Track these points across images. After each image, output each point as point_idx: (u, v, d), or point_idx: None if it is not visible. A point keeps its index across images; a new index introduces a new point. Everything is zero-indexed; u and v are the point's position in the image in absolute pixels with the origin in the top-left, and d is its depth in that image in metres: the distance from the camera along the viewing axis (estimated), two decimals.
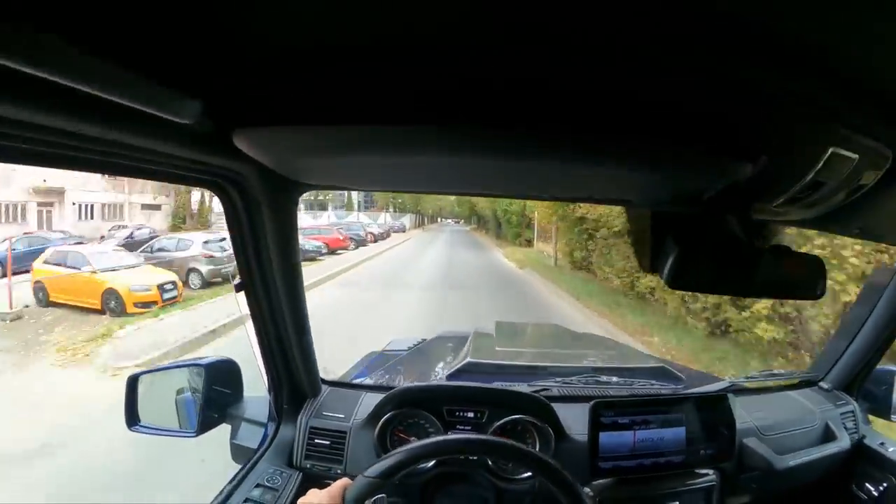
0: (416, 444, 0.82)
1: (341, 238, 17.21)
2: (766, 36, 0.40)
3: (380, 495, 0.77)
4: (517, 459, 0.89)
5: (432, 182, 0.99)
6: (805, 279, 0.78)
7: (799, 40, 0.40)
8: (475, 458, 1.09)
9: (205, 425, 1.17)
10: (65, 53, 0.36)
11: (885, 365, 1.42)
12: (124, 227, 15.34)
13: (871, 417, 1.42)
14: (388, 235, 25.19)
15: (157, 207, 18.58)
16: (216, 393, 1.18)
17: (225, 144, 0.60)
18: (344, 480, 0.81)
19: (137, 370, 1.25)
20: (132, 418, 1.19)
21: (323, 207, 34.17)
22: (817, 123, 0.53)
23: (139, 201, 18.26)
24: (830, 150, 0.54)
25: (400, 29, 0.43)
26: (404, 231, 31.83)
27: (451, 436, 0.88)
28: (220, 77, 0.50)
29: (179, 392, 1.24)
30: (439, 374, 1.69)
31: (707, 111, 0.53)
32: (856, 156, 0.56)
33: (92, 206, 16.61)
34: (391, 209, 41.84)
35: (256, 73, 0.51)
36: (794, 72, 0.45)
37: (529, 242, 18.88)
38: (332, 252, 15.33)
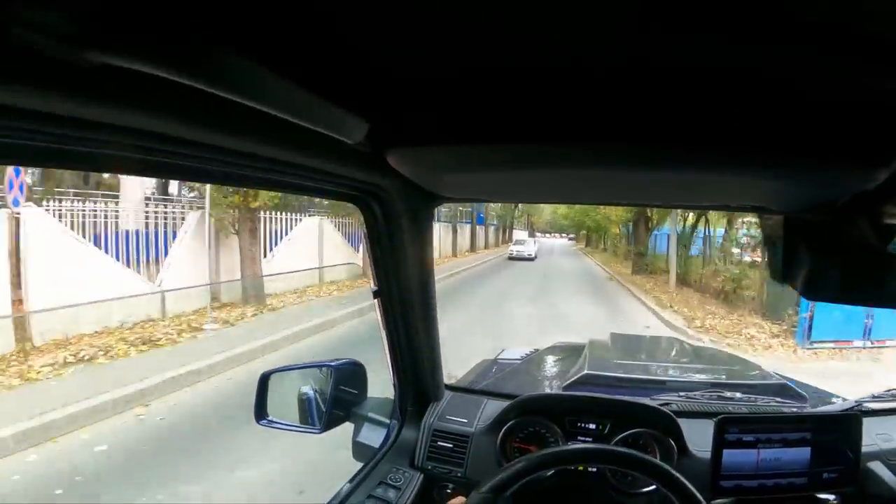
0: (526, 457, 0.86)
1: None
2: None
3: None
4: (642, 470, 0.90)
5: (559, 193, 1.03)
6: None
7: None
8: (594, 469, 1.12)
9: (330, 423, 1.24)
10: (249, 73, 0.37)
11: None
12: None
13: None
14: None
15: None
16: (342, 392, 1.26)
17: (379, 163, 0.66)
18: (459, 499, 0.87)
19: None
20: (261, 413, 1.28)
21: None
22: None
23: None
24: None
25: (544, 53, 0.45)
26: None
27: (563, 447, 0.90)
28: (382, 100, 0.55)
29: (302, 391, 1.33)
30: (554, 384, 1.71)
31: (838, 113, 0.52)
32: None
33: None
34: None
35: (410, 96, 0.56)
36: None
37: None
38: None
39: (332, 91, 0.46)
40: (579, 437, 1.16)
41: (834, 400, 1.49)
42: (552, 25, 0.40)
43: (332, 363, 1.26)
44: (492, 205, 22.46)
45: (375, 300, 1.12)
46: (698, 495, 0.84)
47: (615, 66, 0.47)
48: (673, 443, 1.12)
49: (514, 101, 0.55)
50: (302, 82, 0.42)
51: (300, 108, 0.45)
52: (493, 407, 1.22)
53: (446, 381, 1.35)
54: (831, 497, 1.13)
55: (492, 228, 33.50)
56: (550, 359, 2.08)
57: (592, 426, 1.16)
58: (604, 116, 0.55)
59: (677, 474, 0.87)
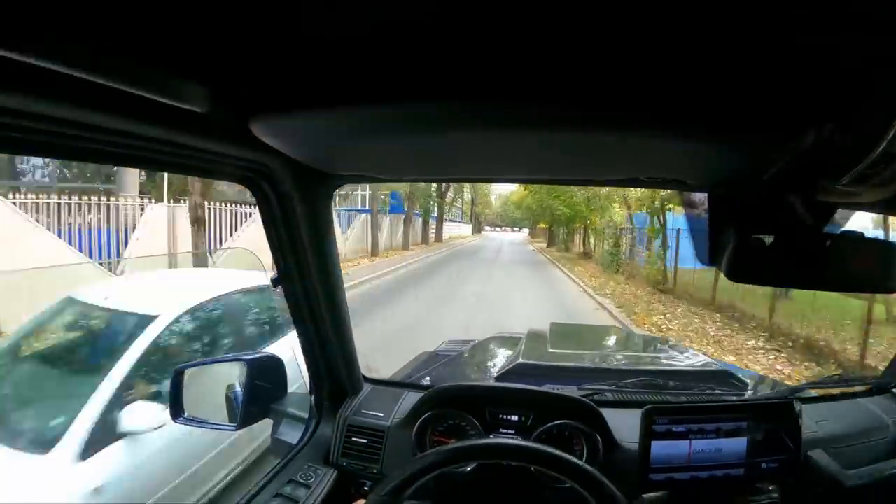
0: (419, 457, 0.81)
1: None
2: None
3: None
4: (551, 466, 0.83)
5: (467, 168, 0.95)
6: (880, 270, 0.69)
7: None
8: (515, 463, 1.05)
9: (246, 420, 1.18)
10: (58, 41, 0.35)
11: None
12: None
13: None
14: None
15: None
16: (259, 388, 1.19)
17: (244, 134, 0.58)
18: (360, 502, 0.82)
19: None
20: (176, 410, 1.21)
21: None
22: (885, 84, 0.45)
23: None
24: None
25: (427, 3, 0.39)
26: None
27: (461, 443, 0.83)
28: (230, 61, 0.47)
29: (230, 387, 1.27)
30: (489, 375, 1.65)
31: (763, 75, 0.46)
32: None
33: None
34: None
35: (269, 55, 0.47)
36: (855, 31, 0.38)
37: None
38: None
39: (155, 50, 0.41)
40: (501, 430, 1.10)
41: (773, 387, 1.43)
42: None
43: (246, 357, 1.19)
44: (418, 190, 18.23)
45: (275, 288, 1.04)
46: (616, 492, 0.78)
47: (522, 14, 0.40)
48: (598, 435, 1.06)
49: (388, 55, 0.46)
50: (108, 41, 0.38)
51: (115, 71, 0.40)
52: (412, 399, 1.15)
53: (388, 373, 1.29)
54: (771, 487, 1.07)
55: (418, 221, 22.47)
56: (488, 349, 2.02)
57: (515, 418, 1.10)
58: (505, 72, 0.47)
59: (591, 469, 0.81)
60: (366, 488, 1.10)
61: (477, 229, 45.99)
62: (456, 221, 38.73)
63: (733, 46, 0.43)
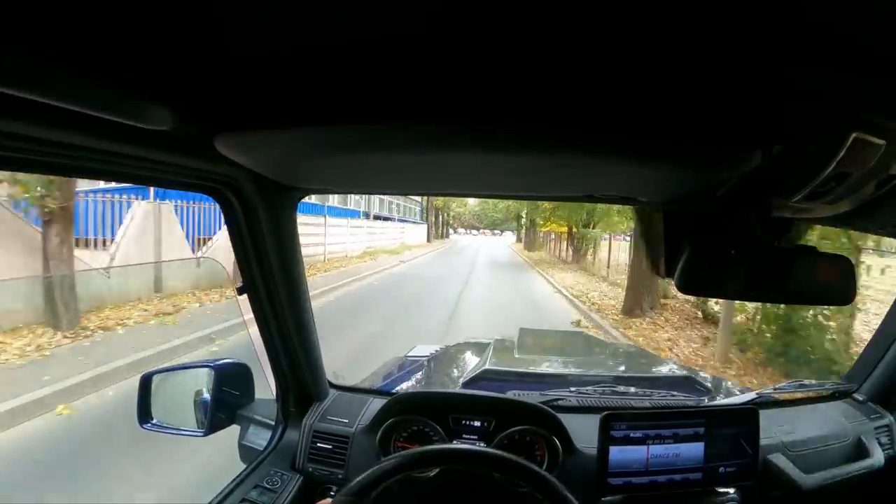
0: (385, 460, 0.82)
1: None
2: (774, 15, 0.35)
3: None
4: (505, 471, 0.85)
5: (429, 182, 0.96)
6: (834, 283, 0.71)
7: (811, 17, 0.35)
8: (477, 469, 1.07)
9: (214, 426, 1.19)
10: (29, 69, 0.36)
11: None
12: None
13: None
14: None
15: None
16: (226, 394, 1.19)
17: (209, 149, 0.59)
18: (326, 501, 0.82)
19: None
20: (143, 416, 1.21)
21: None
22: (835, 106, 0.48)
23: None
24: (853, 136, 0.48)
25: (384, 25, 0.40)
26: None
27: (424, 448, 0.85)
28: (194, 82, 0.49)
29: (198, 393, 1.27)
30: (457, 381, 1.66)
31: (711, 97, 0.48)
32: (883, 142, 0.49)
33: None
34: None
35: (232, 75, 0.48)
36: (805, 51, 0.40)
37: None
38: None
39: (116, 75, 0.42)
40: (464, 436, 1.11)
41: (738, 392, 1.45)
42: None
43: (213, 363, 1.19)
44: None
45: (241, 297, 1.04)
46: (569, 496, 0.79)
47: (472, 37, 0.41)
48: (558, 441, 1.07)
49: (352, 76, 0.48)
50: (83, 72, 0.40)
51: (78, 95, 0.41)
52: (378, 406, 1.16)
53: (357, 379, 1.30)
54: (731, 491, 1.09)
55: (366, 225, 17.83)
56: (456, 355, 2.03)
57: (477, 424, 1.11)
58: (463, 95, 0.48)
59: (546, 474, 0.82)
60: (331, 493, 1.11)
61: (441, 234, 35.26)
62: (401, 221, 25.48)
63: (683, 71, 0.44)
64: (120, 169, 0.63)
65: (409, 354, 2.08)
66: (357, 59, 0.44)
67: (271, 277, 1.01)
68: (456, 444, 1.08)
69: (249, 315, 1.09)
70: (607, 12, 0.36)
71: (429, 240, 30.08)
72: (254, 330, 1.12)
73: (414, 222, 29.05)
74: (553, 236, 21.88)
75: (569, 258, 17.59)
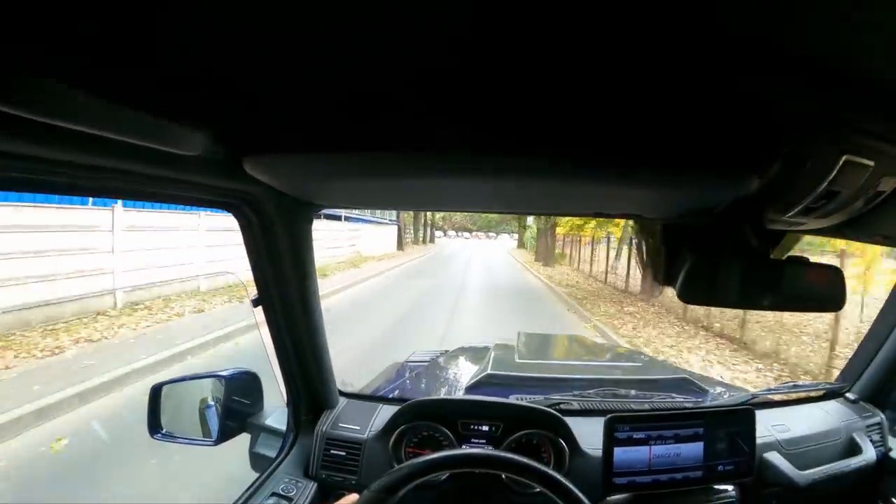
0: (417, 459, 0.84)
1: None
2: (767, 46, 0.39)
3: None
4: (521, 473, 0.89)
5: (438, 201, 1.00)
6: (825, 290, 0.75)
7: (802, 47, 0.39)
8: (487, 472, 1.09)
9: (224, 435, 1.20)
10: (71, 101, 0.39)
11: None
12: None
13: None
14: None
15: None
16: (236, 403, 1.21)
17: (237, 170, 0.63)
18: (352, 496, 0.84)
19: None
20: (154, 426, 1.23)
21: None
22: (827, 131, 0.51)
23: None
24: (844, 159, 0.52)
25: (402, 66, 0.43)
26: None
27: (452, 451, 0.88)
28: (228, 107, 0.52)
29: (203, 402, 1.28)
30: (459, 386, 1.69)
31: (710, 125, 0.52)
32: (871, 162, 0.53)
33: None
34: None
35: (263, 102, 0.52)
36: (798, 80, 0.44)
37: None
38: None
39: (156, 104, 0.45)
40: (473, 440, 1.14)
41: (734, 393, 1.50)
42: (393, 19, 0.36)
43: (223, 373, 1.21)
44: None
45: (255, 308, 1.07)
46: (580, 495, 0.82)
47: (481, 70, 0.44)
48: (564, 443, 1.11)
49: (372, 108, 0.51)
50: (125, 101, 0.42)
51: (121, 125, 0.44)
52: (387, 413, 1.19)
53: (353, 388, 1.32)
54: (729, 488, 1.13)
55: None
56: (457, 360, 2.06)
57: (485, 428, 1.14)
58: (478, 123, 0.52)
59: (557, 476, 0.85)
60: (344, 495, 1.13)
61: (422, 239, 28.68)
62: (359, 221, 18.30)
63: (688, 102, 0.48)
64: (150, 189, 0.67)
65: (409, 360, 2.10)
66: (383, 92, 0.49)
67: (286, 289, 1.03)
68: (490, 450, 1.09)
69: (264, 327, 1.11)
70: (624, 55, 0.40)
71: (400, 247, 22.79)
72: (267, 340, 1.14)
73: (380, 222, 21.99)
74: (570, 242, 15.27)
75: (630, 285, 10.66)
